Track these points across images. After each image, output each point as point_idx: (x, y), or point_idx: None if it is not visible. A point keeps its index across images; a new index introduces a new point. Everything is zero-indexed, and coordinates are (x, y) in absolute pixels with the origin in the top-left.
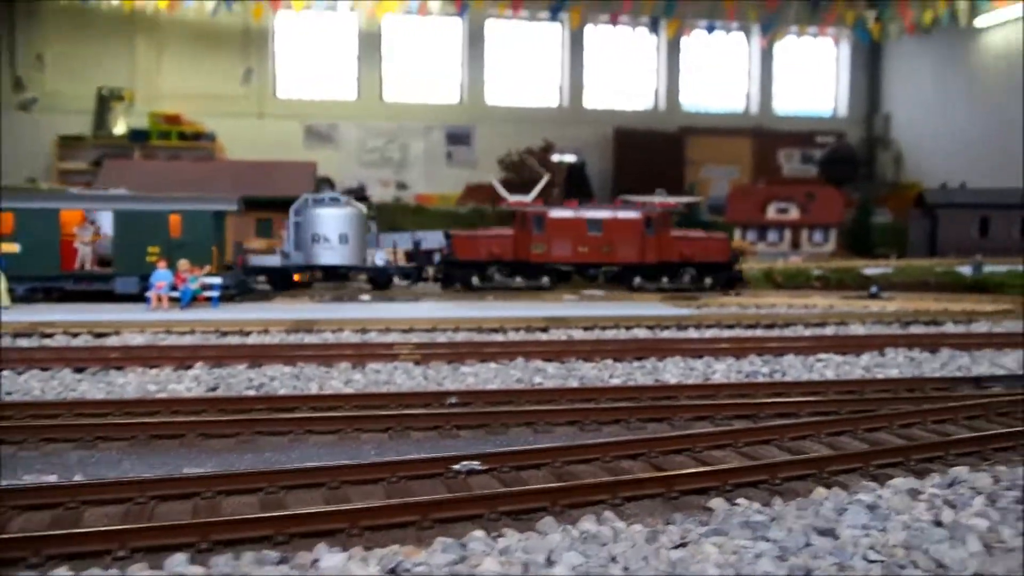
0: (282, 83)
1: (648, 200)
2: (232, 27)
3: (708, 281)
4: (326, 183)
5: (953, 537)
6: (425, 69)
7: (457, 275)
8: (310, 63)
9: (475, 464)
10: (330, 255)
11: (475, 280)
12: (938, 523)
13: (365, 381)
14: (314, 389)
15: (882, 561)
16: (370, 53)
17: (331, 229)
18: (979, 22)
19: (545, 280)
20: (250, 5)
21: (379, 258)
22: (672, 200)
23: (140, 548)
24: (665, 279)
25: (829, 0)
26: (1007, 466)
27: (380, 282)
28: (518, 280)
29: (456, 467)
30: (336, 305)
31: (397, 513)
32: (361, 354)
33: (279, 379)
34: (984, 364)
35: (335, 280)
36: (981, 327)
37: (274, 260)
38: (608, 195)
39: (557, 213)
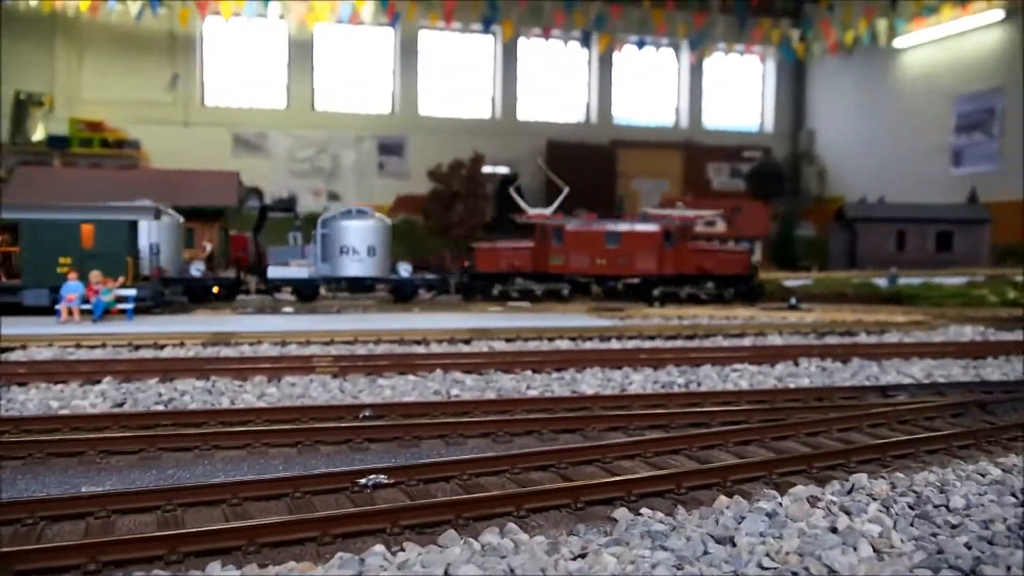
0: (210, 90)
1: (668, 213)
2: (158, 32)
3: (729, 293)
4: (254, 193)
5: (846, 543)
6: (357, 79)
7: (478, 286)
8: (239, 70)
9: (381, 478)
10: (357, 267)
11: (495, 291)
12: (833, 529)
13: (279, 395)
14: (225, 403)
15: (775, 568)
16: (301, 61)
17: (359, 241)
18: (898, 43)
19: (565, 289)
20: (177, 10)
21: (403, 270)
22: (691, 214)
23: (24, 572)
24: (686, 289)
25: (755, 18)
26: (904, 473)
27: (405, 294)
28: (538, 290)
29: (362, 481)
30: (258, 317)
31: (297, 529)
32: (278, 367)
33: (190, 393)
34: (892, 373)
35: (360, 291)
36: (892, 337)
37: (301, 272)
38: (542, 207)
39: (575, 226)
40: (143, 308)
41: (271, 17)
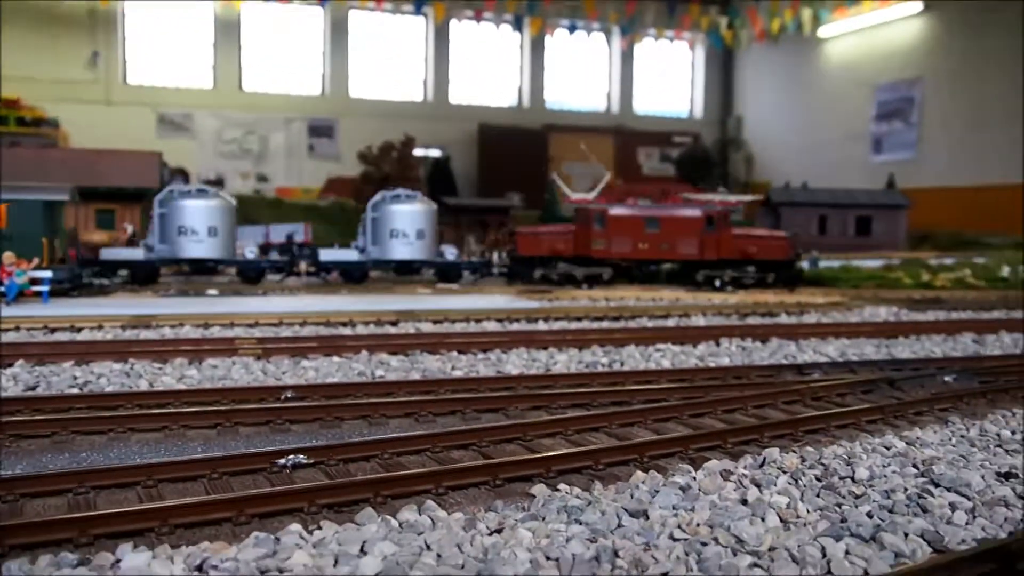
0: (133, 69)
1: (710, 198)
2: (77, 9)
3: (771, 278)
4: (180, 174)
5: (754, 514)
6: (286, 59)
7: (521, 270)
8: (163, 49)
9: (301, 458)
10: (406, 250)
11: (537, 274)
12: (743, 501)
13: (200, 377)
14: (144, 386)
15: (686, 539)
16: (228, 41)
17: (408, 224)
18: (822, 32)
19: (606, 273)
20: None
21: (449, 253)
22: (733, 199)
23: None
24: (728, 273)
25: (684, 5)
26: (814, 447)
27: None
28: (579, 274)
29: (281, 461)
30: (180, 300)
31: (212, 509)
32: (200, 349)
33: (107, 376)
34: (809, 352)
35: (408, 274)
36: (811, 318)
37: (351, 255)
38: (474, 191)
39: (618, 210)
40: (61, 291)
41: None
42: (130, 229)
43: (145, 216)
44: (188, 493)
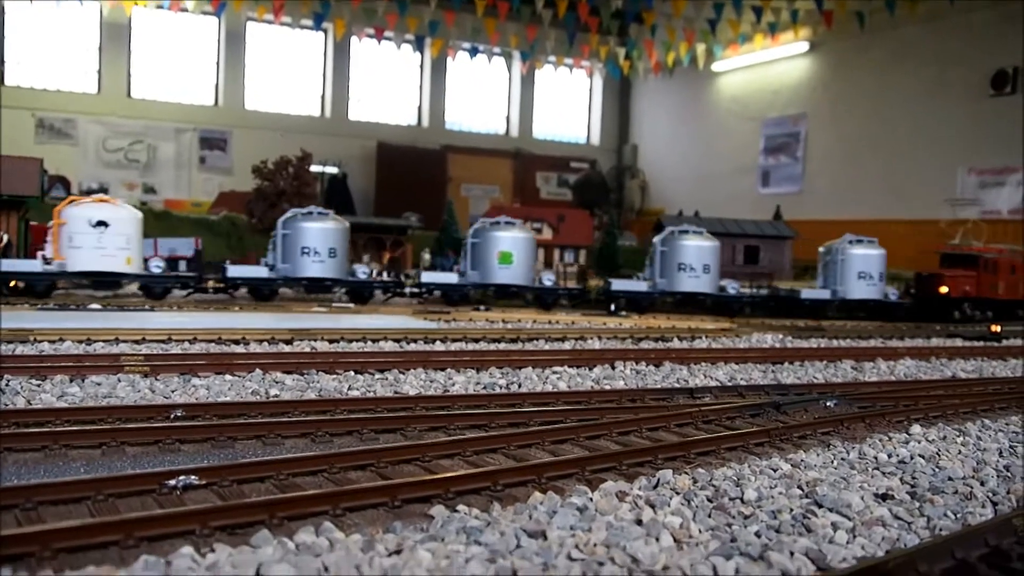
0: (10, 68)
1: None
2: None
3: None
4: (60, 182)
5: (649, 534)
6: (179, 67)
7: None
8: (44, 50)
9: (192, 478)
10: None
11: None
12: (639, 521)
13: (83, 395)
14: (20, 403)
15: (583, 559)
16: (116, 45)
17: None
18: (715, 67)
19: None
20: None
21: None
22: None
23: None
24: None
25: (584, 34)
26: (705, 468)
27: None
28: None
29: (171, 482)
30: (61, 314)
31: (97, 532)
32: (82, 366)
33: None
34: (700, 376)
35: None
36: (702, 343)
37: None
38: (371, 209)
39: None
40: None
41: None
42: (5, 238)
43: (23, 224)
44: (71, 516)
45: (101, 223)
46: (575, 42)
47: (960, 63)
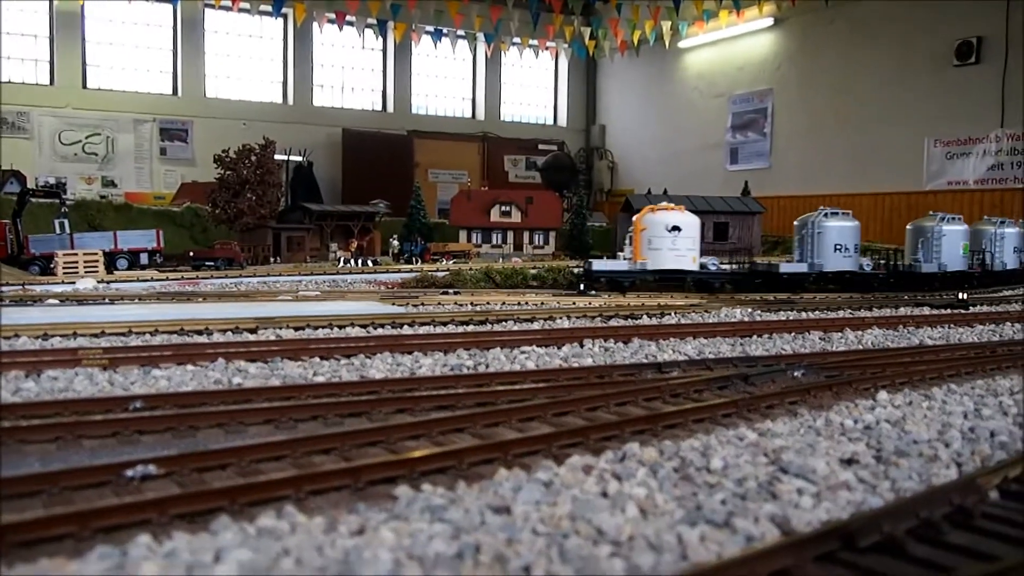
0: None
1: None
2: None
3: None
4: (14, 176)
5: (615, 506)
6: (136, 57)
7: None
8: None
9: (150, 468)
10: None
11: None
12: (604, 494)
13: (38, 389)
14: None
15: (548, 532)
16: (69, 35)
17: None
18: (681, 44)
19: None
20: None
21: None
22: None
23: None
24: None
25: (548, 14)
26: (672, 440)
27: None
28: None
29: (128, 473)
30: (16, 309)
31: (51, 525)
32: (39, 361)
33: None
34: (668, 351)
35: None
36: (671, 319)
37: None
38: (338, 197)
39: None
40: None
41: None
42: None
43: None
44: (24, 510)
45: (675, 228)
46: (539, 23)
47: (925, 34)
